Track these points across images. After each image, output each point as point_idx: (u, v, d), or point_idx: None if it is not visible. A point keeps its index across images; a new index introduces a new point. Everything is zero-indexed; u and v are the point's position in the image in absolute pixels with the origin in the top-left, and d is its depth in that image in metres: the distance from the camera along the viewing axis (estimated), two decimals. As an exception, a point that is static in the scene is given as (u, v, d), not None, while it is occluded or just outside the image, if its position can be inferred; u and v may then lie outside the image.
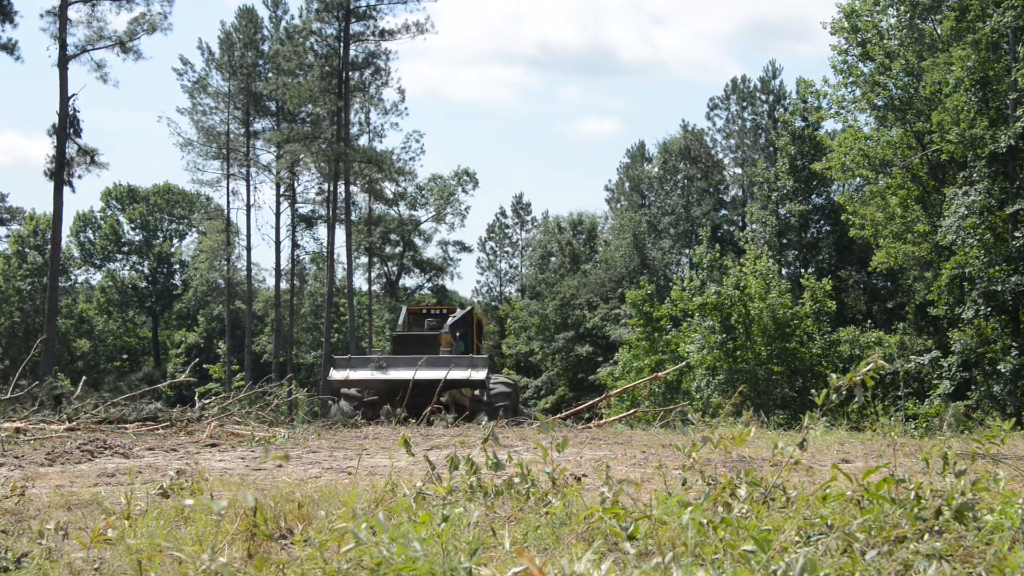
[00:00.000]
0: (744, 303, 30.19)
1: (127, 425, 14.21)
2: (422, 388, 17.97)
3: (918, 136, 33.34)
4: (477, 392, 19.34)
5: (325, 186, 52.42)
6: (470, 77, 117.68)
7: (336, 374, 19.40)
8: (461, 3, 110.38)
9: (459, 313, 22.36)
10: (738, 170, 62.29)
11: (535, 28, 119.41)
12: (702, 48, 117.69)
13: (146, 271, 73.79)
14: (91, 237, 73.22)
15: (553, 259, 64.99)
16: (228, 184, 55.55)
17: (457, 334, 21.28)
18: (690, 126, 62.37)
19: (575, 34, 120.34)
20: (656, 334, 35.95)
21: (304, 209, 56.53)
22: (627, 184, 66.60)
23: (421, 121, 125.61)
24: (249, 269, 56.21)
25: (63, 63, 34.26)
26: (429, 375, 17.91)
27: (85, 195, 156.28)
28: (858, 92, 35.06)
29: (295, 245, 56.35)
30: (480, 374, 18.32)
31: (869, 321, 39.37)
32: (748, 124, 61.39)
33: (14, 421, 14.15)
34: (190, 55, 75.32)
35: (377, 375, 18.85)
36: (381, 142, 54.12)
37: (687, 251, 56.62)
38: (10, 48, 34.24)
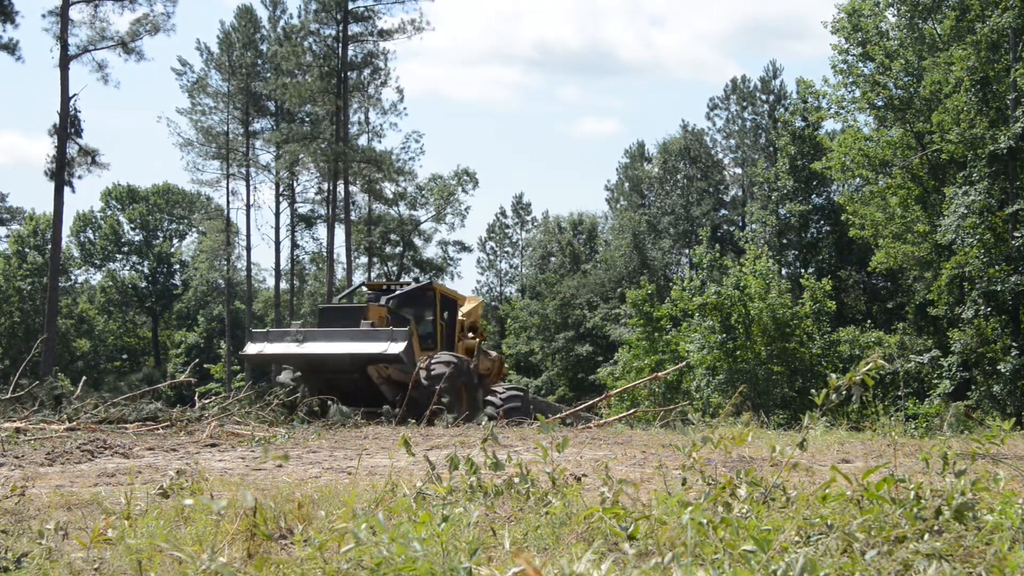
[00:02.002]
0: (744, 303, 30.23)
1: (127, 425, 14.21)
2: (336, 365, 16.60)
3: (918, 136, 33.35)
4: (422, 372, 16.86)
5: (325, 186, 52.47)
6: (469, 77, 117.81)
7: (251, 348, 17.49)
8: (459, 3, 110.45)
9: (408, 287, 19.97)
10: (738, 170, 62.33)
11: (533, 28, 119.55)
12: (700, 48, 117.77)
13: (146, 271, 73.77)
14: (91, 237, 73.21)
15: (553, 259, 65.01)
16: (228, 184, 55.62)
17: (390, 309, 18.50)
18: (690, 126, 62.45)
19: (574, 34, 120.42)
20: (656, 334, 35.98)
21: (304, 209, 56.59)
22: (627, 184, 66.63)
23: (421, 121, 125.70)
24: (249, 269, 56.25)
25: (64, 63, 34.26)
26: (338, 349, 16.39)
27: (85, 195, 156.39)
28: (858, 92, 35.09)
29: (295, 245, 56.40)
30: (397, 348, 16.11)
31: (869, 321, 39.38)
32: (748, 124, 61.42)
33: (14, 421, 14.14)
34: (189, 55, 75.45)
35: (293, 349, 16.97)
36: (380, 142, 54.20)
37: (687, 251, 56.64)
38: (11, 48, 34.27)
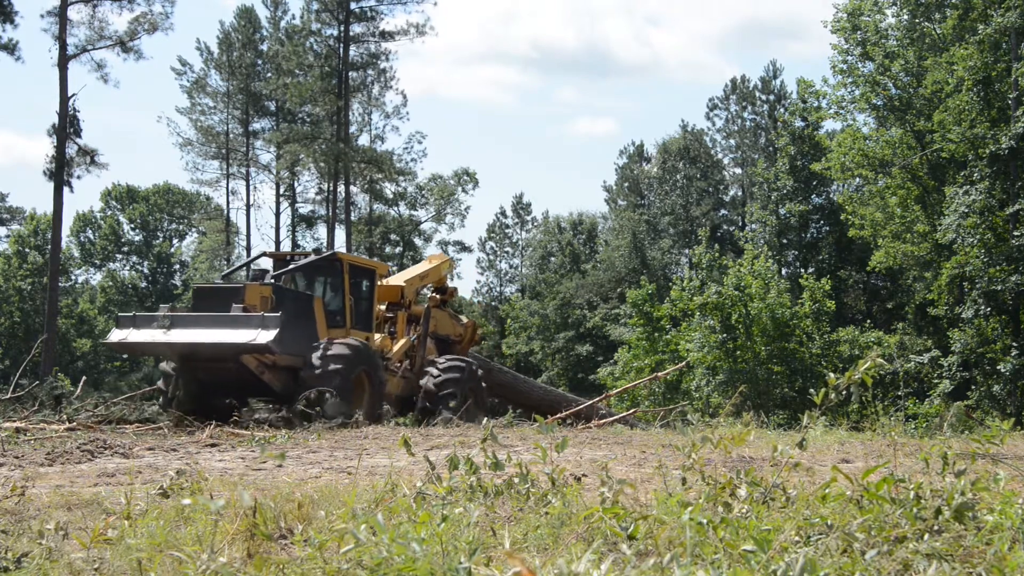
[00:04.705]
0: (744, 303, 30.26)
1: (127, 425, 14.23)
2: (205, 354, 14.84)
3: (918, 136, 33.38)
4: (315, 356, 14.93)
5: (325, 186, 52.49)
6: (467, 78, 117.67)
7: (115, 335, 15.45)
8: (456, 4, 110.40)
9: (303, 260, 17.29)
10: (738, 170, 62.34)
11: (531, 29, 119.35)
12: (697, 49, 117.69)
13: (146, 271, 73.76)
14: (91, 237, 73.20)
15: (553, 259, 64.96)
16: (228, 184, 55.67)
17: (278, 287, 15.89)
18: (689, 126, 62.46)
19: (572, 35, 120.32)
20: (656, 334, 36.00)
21: (304, 209, 56.62)
22: (626, 184, 66.64)
23: (419, 121, 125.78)
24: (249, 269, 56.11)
25: (63, 63, 34.26)
26: (204, 337, 14.59)
27: (85, 195, 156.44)
28: (858, 92, 35.13)
29: (295, 245, 56.36)
30: (266, 336, 14.09)
31: (869, 321, 39.39)
32: (748, 124, 61.42)
33: (14, 421, 14.17)
34: (189, 55, 75.34)
35: (159, 336, 14.89)
36: (383, 143, 54.22)
37: (687, 251, 56.63)
38: (10, 48, 34.26)
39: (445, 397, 16.17)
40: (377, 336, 17.15)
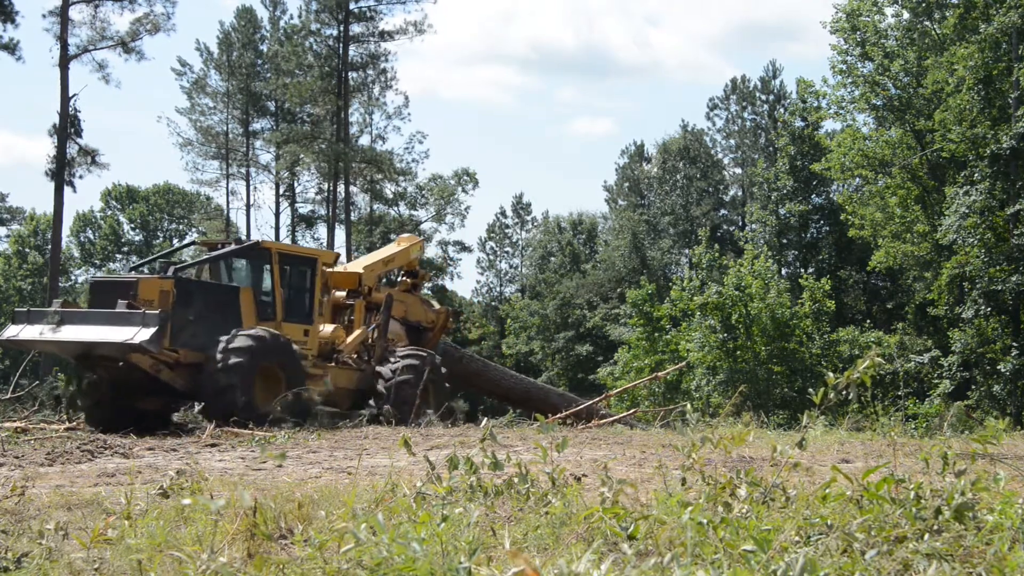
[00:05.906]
0: (744, 303, 30.29)
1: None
2: (96, 352, 14.05)
3: (918, 136, 33.40)
4: (218, 351, 13.87)
5: (325, 186, 52.50)
6: (467, 78, 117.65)
7: (8, 331, 14.68)
8: (456, 4, 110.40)
9: (218, 252, 16.06)
10: (738, 170, 62.34)
11: (530, 30, 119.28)
12: (697, 49, 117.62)
13: (146, 271, 73.75)
14: (91, 237, 73.19)
15: (553, 259, 64.97)
16: (228, 184, 55.66)
17: (181, 280, 14.66)
18: (689, 126, 62.46)
19: (571, 36, 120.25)
20: (656, 334, 36.02)
21: (304, 209, 56.62)
22: (626, 184, 66.65)
23: (419, 121, 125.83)
24: (249, 269, 56.11)
25: (64, 63, 34.24)
26: (86, 335, 13.78)
27: (85, 195, 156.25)
28: (857, 92, 35.15)
29: (295, 242, 56.41)
30: (144, 335, 13.11)
31: (868, 321, 39.39)
32: (748, 124, 61.41)
33: (14, 421, 14.19)
34: (189, 56, 75.30)
35: (48, 334, 14.01)
36: (384, 143, 54.22)
37: (687, 251, 56.65)
38: (11, 48, 34.25)
39: (401, 396, 15.44)
40: (330, 327, 16.37)
